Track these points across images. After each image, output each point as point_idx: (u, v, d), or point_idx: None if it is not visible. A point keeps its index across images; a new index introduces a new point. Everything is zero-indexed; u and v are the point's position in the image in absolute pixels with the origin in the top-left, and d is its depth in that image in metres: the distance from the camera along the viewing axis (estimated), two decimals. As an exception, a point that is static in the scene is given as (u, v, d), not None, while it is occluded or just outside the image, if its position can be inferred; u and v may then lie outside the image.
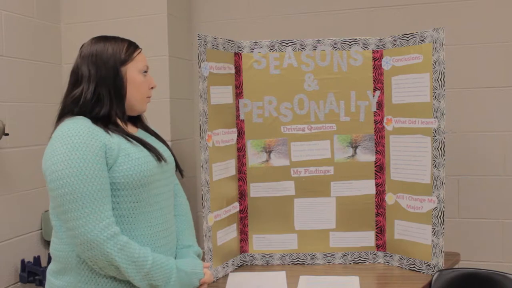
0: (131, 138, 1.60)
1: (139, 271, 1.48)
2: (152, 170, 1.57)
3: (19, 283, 2.49)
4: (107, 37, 1.67)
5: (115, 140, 1.54)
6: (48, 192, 1.55)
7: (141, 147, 1.60)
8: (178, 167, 1.78)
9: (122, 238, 1.47)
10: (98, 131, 1.52)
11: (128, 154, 1.54)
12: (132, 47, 1.67)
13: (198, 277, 1.64)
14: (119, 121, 1.64)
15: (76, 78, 1.61)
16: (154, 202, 1.60)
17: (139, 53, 1.68)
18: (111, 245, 1.44)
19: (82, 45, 1.68)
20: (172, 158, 1.75)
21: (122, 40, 1.67)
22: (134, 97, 1.65)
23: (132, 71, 1.64)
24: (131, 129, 1.71)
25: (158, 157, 1.61)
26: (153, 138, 1.76)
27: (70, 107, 1.59)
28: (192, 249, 1.76)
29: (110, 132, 1.55)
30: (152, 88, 1.72)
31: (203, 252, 2.18)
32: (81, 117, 1.56)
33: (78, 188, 1.44)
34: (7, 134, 2.36)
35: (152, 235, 1.59)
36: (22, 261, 2.49)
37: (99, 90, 1.58)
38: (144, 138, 1.68)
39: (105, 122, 1.57)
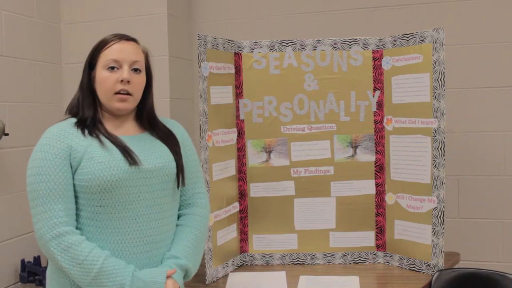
0: (110, 139, 1.56)
1: (85, 274, 1.45)
2: (116, 175, 1.50)
3: (19, 283, 2.49)
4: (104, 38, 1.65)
5: (84, 143, 1.53)
6: None
7: (114, 150, 1.53)
8: (178, 176, 1.64)
9: (68, 239, 1.46)
10: (69, 133, 1.54)
11: (91, 158, 1.51)
12: (103, 43, 1.60)
13: (160, 286, 1.50)
14: (105, 121, 1.61)
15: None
16: (123, 208, 1.52)
17: (109, 46, 1.58)
18: (54, 245, 1.46)
19: None
20: (172, 165, 1.62)
21: (100, 40, 1.62)
22: (101, 96, 1.60)
23: (99, 70, 1.59)
24: (134, 130, 1.64)
25: (132, 161, 1.53)
26: (156, 142, 1.65)
27: (66, 109, 1.66)
28: (176, 261, 1.59)
29: (85, 134, 1.55)
30: (121, 81, 1.56)
31: (203, 252, 2.18)
32: (69, 119, 1.62)
33: (36, 187, 1.49)
34: (7, 134, 2.36)
35: (121, 242, 1.52)
36: (22, 261, 2.49)
37: (79, 93, 1.63)
38: (138, 141, 1.60)
39: (84, 124, 1.58)
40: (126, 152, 1.54)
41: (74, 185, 1.53)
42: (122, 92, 1.57)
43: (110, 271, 1.46)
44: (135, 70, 1.60)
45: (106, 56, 1.58)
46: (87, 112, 1.60)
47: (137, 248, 1.54)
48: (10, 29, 2.48)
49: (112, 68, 1.57)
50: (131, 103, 1.61)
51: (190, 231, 1.67)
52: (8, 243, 2.45)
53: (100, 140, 1.55)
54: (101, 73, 1.58)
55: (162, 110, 2.63)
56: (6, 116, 2.43)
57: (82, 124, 1.58)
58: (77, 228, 1.53)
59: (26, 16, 2.59)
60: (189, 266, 1.62)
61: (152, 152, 1.60)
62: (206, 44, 2.21)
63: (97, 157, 1.51)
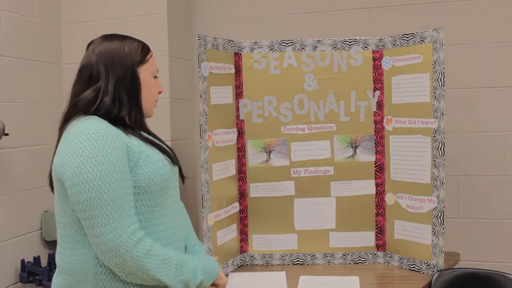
0: (147, 140, 1.54)
1: (169, 269, 1.43)
2: (169, 173, 1.52)
3: (19, 283, 2.49)
4: (120, 35, 1.60)
5: (134, 142, 1.47)
6: (50, 193, 1.51)
7: (157, 150, 1.53)
8: (180, 172, 1.68)
9: (147, 241, 1.41)
10: (118, 131, 1.45)
11: (148, 157, 1.47)
12: (146, 49, 1.60)
13: (215, 263, 1.62)
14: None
15: (89, 76, 1.52)
16: (167, 205, 1.54)
17: (151, 55, 1.62)
18: (139, 249, 1.38)
19: (92, 42, 1.60)
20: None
21: (136, 40, 1.61)
22: (145, 100, 1.58)
23: (145, 73, 1.57)
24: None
25: (173, 160, 1.56)
26: (155, 140, 1.68)
27: (84, 107, 1.49)
28: (201, 247, 1.75)
29: (129, 134, 1.48)
30: (159, 92, 1.65)
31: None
32: (95, 116, 1.47)
33: (106, 192, 1.36)
34: (7, 134, 2.36)
35: (166, 239, 1.52)
36: (22, 261, 2.49)
37: (118, 90, 1.50)
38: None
39: (123, 124, 1.50)
40: (168, 153, 1.56)
41: None
42: (156, 100, 1.65)
43: (182, 260, 1.49)
44: None
45: (154, 64, 1.62)
46: (125, 111, 1.52)
47: (176, 243, 1.57)
48: (10, 29, 2.48)
49: (155, 77, 1.62)
50: None
51: (187, 220, 1.80)
52: (8, 243, 2.45)
53: (142, 140, 1.51)
54: (150, 79, 1.59)
55: (162, 110, 2.64)
56: (6, 116, 2.43)
57: (122, 124, 1.50)
58: None
59: (26, 16, 2.59)
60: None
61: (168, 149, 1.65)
62: (206, 44, 2.21)
63: (153, 156, 1.49)
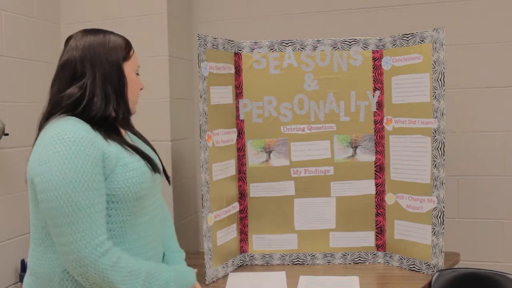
0: (128, 146, 1.47)
1: (136, 280, 1.38)
2: (147, 182, 1.45)
3: (19, 283, 2.49)
4: (102, 30, 1.52)
5: (112, 148, 1.41)
6: (30, 200, 1.44)
7: (137, 157, 1.46)
8: (165, 173, 1.63)
9: (114, 253, 1.36)
10: (96, 136, 1.39)
11: (125, 164, 1.41)
12: (129, 45, 1.54)
13: (192, 275, 1.60)
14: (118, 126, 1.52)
15: (73, 73, 1.44)
16: (144, 214, 1.48)
17: (134, 52, 1.56)
18: (104, 261, 1.33)
19: (72, 36, 1.52)
20: (161, 164, 1.61)
21: (119, 35, 1.54)
22: (130, 98, 1.53)
23: (129, 70, 1.52)
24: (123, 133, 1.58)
25: (154, 168, 1.49)
26: (140, 142, 1.63)
27: (67, 105, 1.43)
28: (181, 254, 1.69)
29: (108, 139, 1.42)
30: (141, 89, 1.59)
31: (203, 252, 2.18)
32: (74, 118, 1.41)
33: (75, 201, 1.31)
34: (7, 134, 2.35)
35: (141, 248, 1.47)
36: (22, 261, 2.49)
37: (105, 88, 1.45)
38: (134, 142, 1.56)
39: (106, 126, 1.44)
40: (149, 159, 1.49)
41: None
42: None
43: (154, 271, 1.43)
44: None
45: (135, 61, 1.56)
46: (123, 113, 1.48)
47: (152, 252, 1.53)
48: (10, 29, 2.48)
49: (137, 74, 1.57)
50: None
51: (170, 225, 1.76)
52: (8, 243, 2.45)
53: (122, 146, 1.45)
54: (133, 75, 1.54)
55: (162, 110, 2.64)
56: (6, 116, 2.43)
57: (104, 126, 1.44)
58: None
59: (26, 16, 2.59)
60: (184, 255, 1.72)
61: (151, 155, 1.58)
62: (206, 44, 2.21)
63: (130, 163, 1.42)
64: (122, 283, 1.35)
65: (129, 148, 1.46)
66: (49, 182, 1.32)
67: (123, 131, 1.57)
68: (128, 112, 1.52)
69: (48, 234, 1.40)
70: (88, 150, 1.34)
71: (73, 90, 1.43)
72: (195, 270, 1.67)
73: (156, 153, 1.66)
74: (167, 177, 1.65)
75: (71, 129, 1.35)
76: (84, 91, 1.43)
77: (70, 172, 1.31)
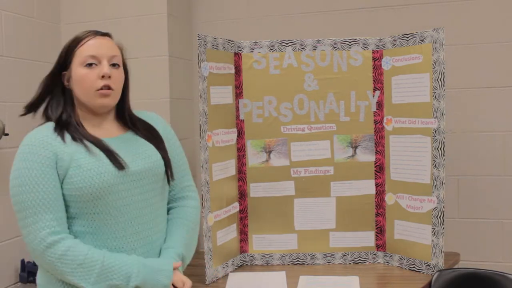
0: (95, 143, 1.51)
1: (89, 273, 1.42)
2: (107, 181, 1.47)
3: (19, 283, 2.49)
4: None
5: (69, 150, 1.48)
6: None
7: (101, 156, 1.50)
8: (167, 172, 1.64)
9: (63, 244, 1.43)
10: (52, 139, 1.49)
11: (79, 166, 1.46)
12: (76, 41, 1.54)
13: (166, 274, 1.49)
14: (86, 123, 1.56)
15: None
16: (118, 213, 1.50)
17: (84, 43, 1.53)
18: (50, 253, 1.42)
19: None
20: (160, 162, 1.61)
21: (73, 38, 1.56)
22: (81, 95, 1.55)
23: (75, 69, 1.53)
24: (111, 132, 1.60)
25: (119, 166, 1.50)
26: (141, 141, 1.62)
27: (44, 114, 1.61)
28: (174, 250, 1.60)
29: (67, 140, 1.50)
30: (103, 77, 1.52)
31: (203, 252, 2.18)
32: (49, 123, 1.55)
33: (22, 198, 1.44)
34: (7, 134, 2.35)
35: (119, 247, 1.50)
36: (22, 261, 2.49)
37: (47, 97, 1.59)
38: (122, 143, 1.56)
39: (66, 127, 1.53)
40: (113, 157, 1.50)
41: (63, 195, 1.48)
42: (104, 87, 1.53)
43: (113, 264, 1.44)
44: (114, 65, 1.56)
45: (83, 52, 1.53)
46: (65, 114, 1.55)
47: (135, 251, 1.53)
48: (10, 29, 2.48)
49: (90, 64, 1.52)
50: (114, 98, 1.57)
51: (183, 223, 1.68)
52: (8, 243, 2.45)
53: (85, 146, 1.49)
54: (79, 71, 1.53)
55: (162, 110, 2.63)
56: (6, 116, 2.43)
57: (62, 127, 1.53)
58: None
59: (26, 16, 2.58)
60: (185, 256, 1.64)
61: (138, 153, 1.58)
62: (206, 44, 2.21)
63: (85, 164, 1.47)
64: (71, 274, 1.43)
65: (92, 147, 1.50)
66: (10, 182, 1.49)
67: (116, 130, 1.60)
68: (72, 112, 1.57)
69: None
70: (38, 151, 1.46)
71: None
72: (185, 279, 1.57)
73: (162, 152, 1.64)
74: (168, 176, 1.64)
75: (29, 135, 1.51)
76: (37, 101, 1.61)
77: (19, 172, 1.46)
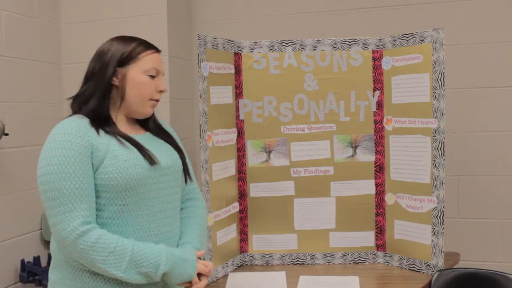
0: (125, 139, 1.56)
1: (120, 260, 1.44)
2: (141, 173, 1.52)
3: (19, 283, 2.50)
4: (122, 36, 1.64)
5: (104, 141, 1.51)
6: None
7: (133, 150, 1.55)
8: (185, 172, 1.71)
9: (93, 234, 1.44)
10: (88, 130, 1.50)
11: (115, 156, 1.50)
12: (141, 47, 1.62)
13: (191, 264, 1.55)
14: (118, 121, 1.61)
15: (84, 76, 1.62)
16: (144, 206, 1.55)
17: (149, 54, 1.62)
18: (83, 242, 1.43)
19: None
20: (179, 162, 1.68)
21: (135, 40, 1.63)
22: (133, 98, 1.60)
23: (134, 71, 1.59)
24: (136, 131, 1.66)
25: (151, 160, 1.56)
26: (160, 141, 1.69)
27: (72, 106, 1.60)
28: (192, 245, 1.66)
29: (100, 133, 1.52)
30: (160, 91, 1.65)
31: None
32: (78, 115, 1.55)
33: (57, 186, 1.45)
34: (7, 134, 2.36)
35: (142, 239, 1.53)
36: (22, 261, 2.49)
37: (91, 87, 1.57)
38: (147, 141, 1.63)
39: (99, 121, 1.55)
40: (144, 152, 1.56)
41: (95, 185, 1.50)
42: (155, 99, 1.65)
43: (143, 252, 1.48)
44: None
45: (149, 62, 1.61)
46: (105, 111, 1.58)
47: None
48: (10, 29, 2.48)
49: (152, 76, 1.62)
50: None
51: (196, 222, 1.75)
52: (8, 243, 2.45)
53: (118, 139, 1.54)
54: (140, 76, 1.60)
55: (162, 110, 2.64)
56: (6, 116, 2.43)
57: (97, 122, 1.55)
58: None
59: (26, 16, 2.59)
60: (200, 249, 1.68)
61: (162, 150, 1.64)
62: (206, 44, 2.21)
63: (121, 155, 1.51)
64: (102, 262, 1.44)
65: (125, 141, 1.55)
66: (40, 170, 1.49)
67: (141, 131, 1.67)
68: (106, 110, 1.59)
69: None
70: (75, 140, 1.47)
71: (78, 91, 1.60)
72: (206, 263, 1.63)
73: (180, 152, 1.71)
74: (185, 176, 1.71)
75: (65, 124, 1.51)
76: (83, 93, 1.59)
77: (54, 160, 1.46)
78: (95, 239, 1.44)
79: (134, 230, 1.53)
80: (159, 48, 1.68)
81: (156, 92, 1.64)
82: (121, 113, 1.63)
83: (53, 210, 1.45)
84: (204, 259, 1.67)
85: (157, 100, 1.66)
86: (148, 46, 1.64)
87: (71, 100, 1.61)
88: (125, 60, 1.59)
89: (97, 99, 1.57)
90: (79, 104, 1.58)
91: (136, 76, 1.60)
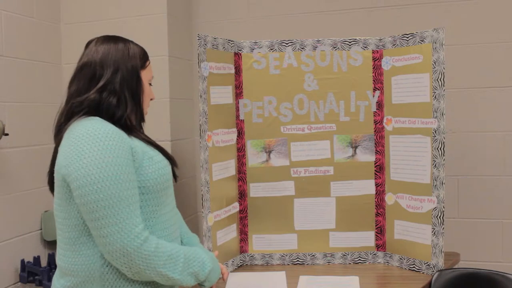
0: (148, 142, 1.57)
1: (176, 263, 1.46)
2: (170, 173, 1.57)
3: (19, 283, 2.49)
4: (122, 37, 1.61)
5: (137, 143, 1.49)
6: (50, 193, 1.55)
7: (157, 151, 1.56)
8: (173, 170, 1.68)
9: (153, 239, 1.43)
10: (122, 133, 1.46)
11: (151, 158, 1.50)
12: (146, 55, 1.63)
13: (217, 261, 1.66)
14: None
15: (92, 75, 1.51)
16: (167, 204, 1.57)
17: (149, 63, 1.65)
18: (147, 248, 1.40)
19: (92, 41, 1.60)
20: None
21: (137, 45, 1.63)
22: (143, 104, 1.62)
23: (144, 79, 1.60)
24: None
25: (173, 161, 1.61)
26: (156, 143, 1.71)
27: (88, 106, 1.49)
28: (196, 237, 1.80)
29: (131, 136, 1.50)
30: (151, 99, 1.68)
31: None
32: (99, 118, 1.47)
33: (114, 193, 1.37)
34: (7, 134, 2.36)
35: (168, 236, 1.55)
36: (22, 261, 2.49)
37: (123, 91, 1.52)
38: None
39: (125, 125, 1.52)
40: (165, 153, 1.59)
41: None
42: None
43: (190, 253, 1.52)
44: None
45: (150, 71, 1.65)
46: (138, 117, 1.59)
47: (175, 241, 1.61)
48: (10, 29, 2.48)
49: (150, 84, 1.65)
50: None
51: (179, 213, 1.82)
52: (8, 243, 2.45)
53: (144, 142, 1.54)
54: (146, 84, 1.62)
55: (162, 110, 2.64)
56: (6, 116, 2.43)
57: (124, 125, 1.52)
58: None
59: (26, 16, 2.59)
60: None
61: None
62: (206, 44, 2.21)
63: (155, 156, 1.52)
64: (163, 266, 1.43)
65: (149, 144, 1.56)
66: (86, 177, 1.36)
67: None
68: (142, 117, 1.61)
69: (82, 231, 1.45)
70: (119, 144, 1.41)
71: (93, 91, 1.50)
72: (216, 253, 1.79)
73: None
74: (174, 175, 1.69)
75: (100, 126, 1.42)
76: (102, 93, 1.50)
77: (106, 166, 1.37)
78: (156, 244, 1.43)
79: (161, 229, 1.53)
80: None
81: (149, 100, 1.67)
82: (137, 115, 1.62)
83: (110, 219, 1.36)
84: None
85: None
86: (147, 54, 1.65)
87: (86, 103, 1.49)
88: (141, 65, 1.59)
89: (132, 107, 1.54)
90: (110, 110, 1.49)
91: (145, 83, 1.61)
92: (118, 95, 1.51)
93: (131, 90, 1.54)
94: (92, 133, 1.40)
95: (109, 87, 1.50)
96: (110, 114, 1.49)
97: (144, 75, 1.61)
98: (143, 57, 1.61)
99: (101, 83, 1.50)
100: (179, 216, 1.79)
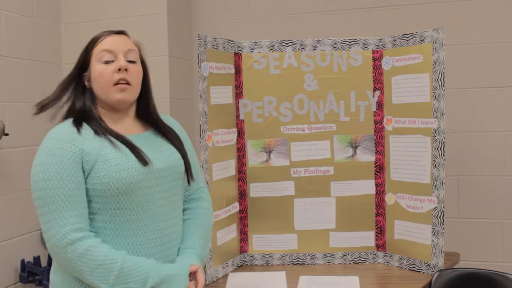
0: (118, 138, 1.51)
1: (107, 275, 1.41)
2: (134, 177, 1.47)
3: (19, 283, 2.50)
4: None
5: (94, 145, 1.47)
6: None
7: (126, 151, 1.50)
8: (187, 172, 1.65)
9: (84, 243, 1.41)
10: (76, 134, 1.47)
11: (106, 160, 1.46)
12: (93, 42, 1.57)
13: (182, 280, 1.50)
14: (110, 121, 1.56)
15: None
16: (141, 210, 1.50)
17: (100, 41, 1.56)
18: (71, 251, 1.40)
19: None
20: (180, 162, 1.63)
21: (91, 39, 1.59)
22: (99, 91, 1.55)
23: (93, 66, 1.54)
24: (135, 130, 1.61)
25: (143, 161, 1.50)
26: (162, 141, 1.63)
27: (67, 110, 1.59)
28: (193, 251, 1.61)
29: (89, 135, 1.49)
30: (119, 70, 1.53)
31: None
32: (69, 120, 1.54)
33: (46, 193, 1.42)
34: (7, 134, 2.36)
35: (140, 244, 1.50)
36: (22, 261, 2.49)
37: (69, 86, 1.57)
38: (144, 140, 1.58)
39: (85, 120, 1.53)
40: (137, 153, 1.51)
41: (87, 189, 1.47)
42: (121, 82, 1.53)
43: (132, 267, 1.43)
44: (130, 61, 1.57)
45: (99, 49, 1.54)
46: (85, 108, 1.55)
47: (155, 249, 1.53)
48: (10, 29, 2.48)
49: (107, 62, 1.53)
50: (131, 93, 1.57)
51: (199, 224, 1.69)
52: (8, 243, 2.45)
53: (109, 140, 1.50)
54: (96, 67, 1.53)
55: (162, 110, 2.63)
56: (6, 116, 2.43)
57: (81, 120, 1.52)
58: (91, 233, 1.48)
59: (26, 16, 2.59)
60: (203, 256, 1.64)
61: (160, 151, 1.59)
62: (206, 44, 2.21)
63: (112, 159, 1.47)
64: (89, 274, 1.41)
65: (117, 142, 1.50)
66: (32, 177, 1.46)
67: (137, 128, 1.61)
68: (93, 106, 1.57)
69: None
70: (64, 146, 1.45)
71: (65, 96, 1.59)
72: (191, 267, 1.56)
73: (181, 152, 1.64)
74: (188, 176, 1.65)
75: (54, 130, 1.50)
76: (66, 94, 1.58)
77: (45, 166, 1.44)
78: (84, 250, 1.40)
79: (131, 235, 1.49)
80: (125, 32, 1.62)
81: (115, 73, 1.52)
82: (106, 110, 1.57)
83: (43, 217, 1.44)
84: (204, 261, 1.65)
85: (123, 82, 1.53)
86: (101, 33, 1.59)
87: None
88: (86, 62, 1.57)
89: (78, 104, 1.56)
90: (69, 113, 1.57)
91: (95, 69, 1.54)
92: (66, 91, 1.57)
93: (74, 80, 1.56)
94: (46, 138, 1.49)
95: (63, 86, 1.58)
96: (74, 113, 1.55)
97: (94, 62, 1.54)
98: (89, 45, 1.57)
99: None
100: (189, 226, 1.68)
